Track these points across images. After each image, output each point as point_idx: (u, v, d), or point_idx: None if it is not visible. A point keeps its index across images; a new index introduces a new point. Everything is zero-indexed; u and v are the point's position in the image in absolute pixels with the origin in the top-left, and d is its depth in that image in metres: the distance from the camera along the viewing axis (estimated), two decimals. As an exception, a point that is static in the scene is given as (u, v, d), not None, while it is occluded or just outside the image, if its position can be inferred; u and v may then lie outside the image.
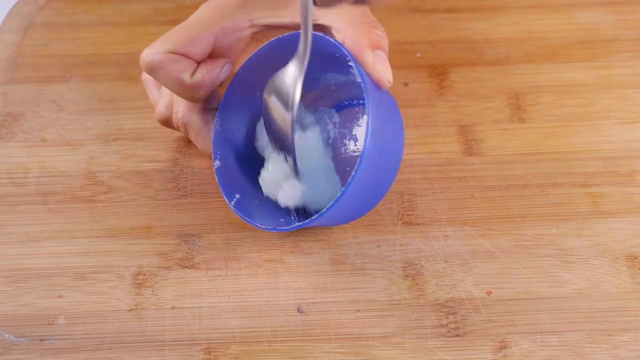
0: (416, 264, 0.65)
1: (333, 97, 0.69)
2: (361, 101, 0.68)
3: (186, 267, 0.66)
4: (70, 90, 0.77)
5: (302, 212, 0.66)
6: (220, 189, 0.65)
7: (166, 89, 0.69)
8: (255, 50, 0.65)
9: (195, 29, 0.66)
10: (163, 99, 0.70)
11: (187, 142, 0.73)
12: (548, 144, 0.71)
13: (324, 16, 0.65)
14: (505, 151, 0.71)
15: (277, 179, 0.65)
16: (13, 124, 0.75)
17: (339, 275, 0.65)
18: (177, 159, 0.72)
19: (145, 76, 0.72)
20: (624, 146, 0.71)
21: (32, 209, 0.69)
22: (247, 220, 0.63)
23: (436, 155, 0.72)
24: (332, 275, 0.65)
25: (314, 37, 0.61)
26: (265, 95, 0.63)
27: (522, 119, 0.73)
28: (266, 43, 0.65)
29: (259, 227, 0.63)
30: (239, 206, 0.64)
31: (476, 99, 0.75)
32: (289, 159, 0.64)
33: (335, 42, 0.62)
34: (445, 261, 0.65)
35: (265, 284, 0.64)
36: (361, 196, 0.62)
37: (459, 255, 0.65)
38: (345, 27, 0.64)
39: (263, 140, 0.67)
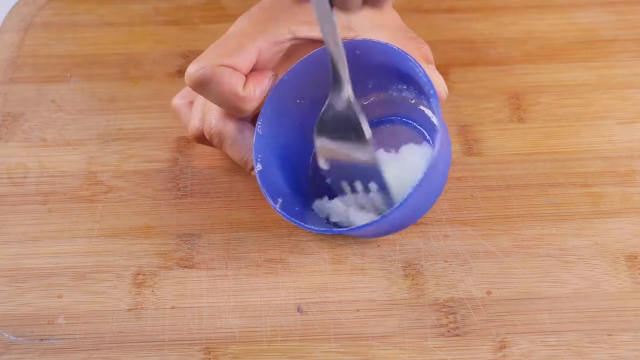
0: (416, 264, 0.65)
1: (369, 114, 0.66)
2: (397, 118, 0.68)
3: (186, 267, 0.66)
4: (70, 90, 0.77)
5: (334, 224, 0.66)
6: (264, 192, 0.63)
7: (198, 104, 0.68)
8: (298, 60, 0.65)
9: (240, 41, 0.64)
10: (195, 113, 0.68)
11: (187, 142, 0.73)
12: (548, 144, 0.71)
13: (367, 34, 0.65)
14: (505, 151, 0.71)
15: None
16: (13, 124, 0.75)
17: (339, 275, 0.65)
18: (177, 159, 0.72)
19: (176, 102, 0.70)
20: (623, 146, 0.71)
21: (31, 209, 0.69)
22: (296, 223, 0.62)
23: (436, 155, 0.72)
24: (332, 275, 0.65)
25: (370, 43, 0.61)
26: (317, 140, 0.63)
27: (522, 119, 0.73)
28: (311, 52, 0.64)
29: (310, 229, 0.61)
30: (284, 209, 0.63)
31: (476, 99, 0.75)
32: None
33: (403, 53, 0.62)
34: (445, 261, 0.65)
35: (265, 283, 0.64)
36: (422, 197, 0.62)
37: (458, 255, 0.65)
38: (394, 44, 0.64)
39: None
